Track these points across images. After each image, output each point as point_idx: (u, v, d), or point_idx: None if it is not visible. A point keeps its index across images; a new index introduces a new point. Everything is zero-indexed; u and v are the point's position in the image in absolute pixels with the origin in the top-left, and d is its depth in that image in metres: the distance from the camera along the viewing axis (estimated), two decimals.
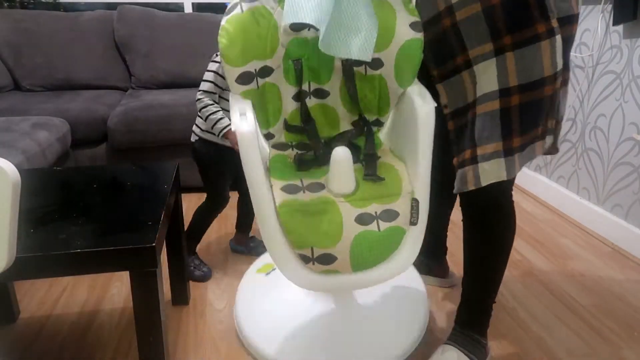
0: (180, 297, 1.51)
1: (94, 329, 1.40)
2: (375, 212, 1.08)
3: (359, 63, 1.19)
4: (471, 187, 1.07)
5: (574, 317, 1.49)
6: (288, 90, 1.24)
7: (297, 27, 1.17)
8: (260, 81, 1.15)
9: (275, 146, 1.25)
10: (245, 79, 1.11)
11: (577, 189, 2.19)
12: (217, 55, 1.43)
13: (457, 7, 1.03)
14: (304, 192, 1.09)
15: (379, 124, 1.28)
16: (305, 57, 1.22)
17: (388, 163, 1.20)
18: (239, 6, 1.10)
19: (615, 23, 1.84)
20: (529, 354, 1.32)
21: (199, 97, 1.44)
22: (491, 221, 1.17)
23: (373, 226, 1.07)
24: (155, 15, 2.82)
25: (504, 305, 1.53)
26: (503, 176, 1.06)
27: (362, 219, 1.07)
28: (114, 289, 1.60)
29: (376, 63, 1.18)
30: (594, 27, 1.99)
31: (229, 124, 1.40)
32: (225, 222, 2.09)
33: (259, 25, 1.11)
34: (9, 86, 2.63)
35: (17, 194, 0.61)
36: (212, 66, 1.45)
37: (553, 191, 2.32)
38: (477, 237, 1.20)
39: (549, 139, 1.09)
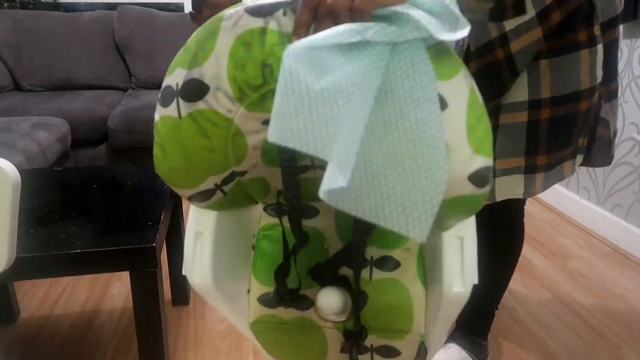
0: (180, 297, 1.51)
1: (94, 329, 1.40)
2: (371, 345, 0.85)
3: None
4: (484, 202, 0.96)
5: (574, 317, 1.49)
6: (277, 173, 0.78)
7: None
8: (228, 187, 0.75)
9: (267, 208, 0.91)
10: (203, 196, 0.73)
11: (577, 189, 2.19)
12: None
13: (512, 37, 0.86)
14: (285, 306, 0.85)
15: None
16: None
17: (403, 283, 0.88)
18: (174, 101, 0.63)
19: None
20: (529, 354, 1.32)
21: None
22: (501, 234, 1.14)
23: None
24: (155, 15, 2.82)
25: (504, 305, 1.53)
26: (520, 193, 0.96)
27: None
28: (114, 289, 1.60)
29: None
30: None
31: None
32: None
33: (209, 139, 0.67)
34: (9, 86, 2.64)
35: (17, 194, 0.61)
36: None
37: (553, 191, 2.32)
38: (485, 248, 1.17)
39: (579, 159, 0.97)
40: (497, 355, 1.31)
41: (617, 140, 1.02)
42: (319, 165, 0.73)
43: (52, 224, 1.05)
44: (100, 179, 1.35)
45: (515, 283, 1.66)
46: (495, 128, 0.93)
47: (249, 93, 0.60)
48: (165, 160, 0.68)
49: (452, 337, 1.25)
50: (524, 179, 0.95)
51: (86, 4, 3.21)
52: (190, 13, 1.23)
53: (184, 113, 0.63)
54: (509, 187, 0.95)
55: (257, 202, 0.83)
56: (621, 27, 1.86)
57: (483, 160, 0.60)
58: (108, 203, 1.18)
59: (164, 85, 0.64)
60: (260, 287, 0.86)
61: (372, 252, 0.80)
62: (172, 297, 1.51)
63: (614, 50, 0.92)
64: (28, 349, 1.32)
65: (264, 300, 0.85)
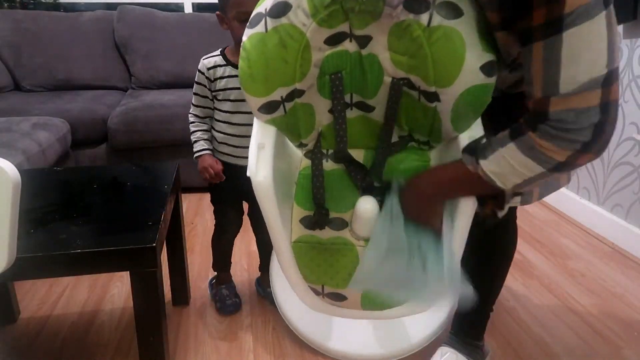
0: (181, 297, 1.51)
1: (94, 329, 1.40)
2: None
3: (411, 86, 0.93)
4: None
5: (574, 317, 1.49)
6: (323, 104, 1.03)
7: (332, 42, 0.91)
8: (289, 105, 0.96)
9: (308, 154, 1.10)
10: (269, 108, 0.94)
11: (577, 188, 2.19)
12: (205, 58, 1.31)
13: None
14: (322, 227, 1.01)
15: (430, 146, 1.05)
16: (347, 70, 0.97)
17: None
18: (263, 20, 0.87)
19: None
20: (529, 354, 1.32)
21: (190, 112, 1.35)
22: (494, 240, 1.15)
23: None
24: (155, 15, 2.82)
25: (504, 305, 1.53)
26: (517, 201, 0.97)
27: None
28: (114, 289, 1.60)
29: (432, 96, 0.89)
30: None
31: (201, 150, 1.33)
32: None
33: (285, 49, 0.87)
34: (9, 86, 2.64)
35: (17, 194, 0.61)
36: (197, 76, 1.31)
37: None
38: (477, 254, 1.14)
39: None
40: (497, 355, 1.31)
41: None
42: (356, 104, 1.02)
43: (52, 224, 1.05)
44: (100, 179, 1.35)
45: (515, 283, 1.67)
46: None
47: (320, 10, 0.84)
48: (249, 69, 0.89)
49: (447, 342, 1.25)
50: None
51: (86, 4, 3.21)
52: (217, 14, 1.25)
53: (269, 27, 0.86)
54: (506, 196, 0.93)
55: (301, 139, 1.06)
56: (621, 27, 1.86)
57: (490, 56, 0.82)
58: (108, 203, 1.18)
59: (253, 14, 0.89)
60: (301, 212, 1.02)
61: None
62: (172, 297, 1.51)
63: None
64: (28, 349, 1.32)
65: (305, 222, 1.01)
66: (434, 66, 0.84)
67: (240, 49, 0.90)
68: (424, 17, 0.80)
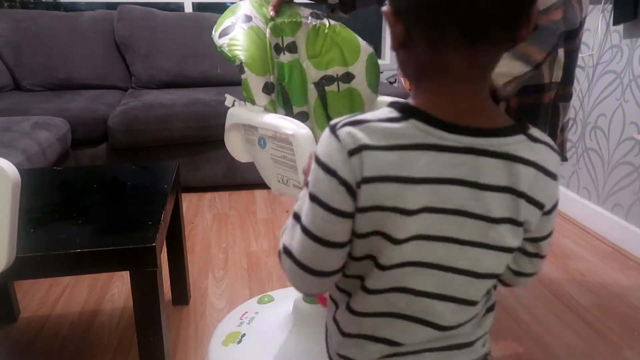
0: (180, 297, 1.51)
1: (94, 329, 1.40)
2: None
3: (330, 82, 1.28)
4: None
5: (574, 317, 1.49)
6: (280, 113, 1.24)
7: (276, 51, 1.20)
8: (273, 96, 1.14)
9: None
10: (268, 89, 1.09)
11: (577, 188, 2.19)
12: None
13: None
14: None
15: None
16: (285, 82, 1.23)
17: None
18: (236, 26, 1.09)
19: (615, 23, 1.84)
20: (529, 354, 1.32)
21: None
22: None
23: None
24: (155, 15, 2.82)
25: (504, 305, 1.53)
26: None
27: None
28: (114, 289, 1.60)
29: (348, 77, 1.27)
30: (594, 26, 1.99)
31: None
32: (225, 223, 2.09)
33: (260, 40, 1.11)
34: (9, 86, 2.64)
35: (17, 194, 0.61)
36: None
37: None
38: None
39: None
40: (497, 355, 1.31)
41: (567, 137, 1.23)
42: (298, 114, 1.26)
43: (52, 224, 1.05)
44: (100, 179, 1.35)
45: None
46: None
47: (268, 22, 1.17)
48: (247, 53, 1.05)
49: None
50: None
51: (86, 3, 3.21)
52: None
53: (245, 28, 1.10)
54: None
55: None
56: (622, 26, 1.86)
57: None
58: (108, 203, 1.18)
59: (224, 26, 1.10)
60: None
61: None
62: (172, 297, 1.51)
63: (573, 60, 1.07)
64: (28, 349, 1.32)
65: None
66: (344, 49, 1.24)
67: (226, 48, 1.07)
68: (325, 21, 1.25)
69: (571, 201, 2.20)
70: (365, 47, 1.26)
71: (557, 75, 1.04)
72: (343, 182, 0.48)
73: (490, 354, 1.28)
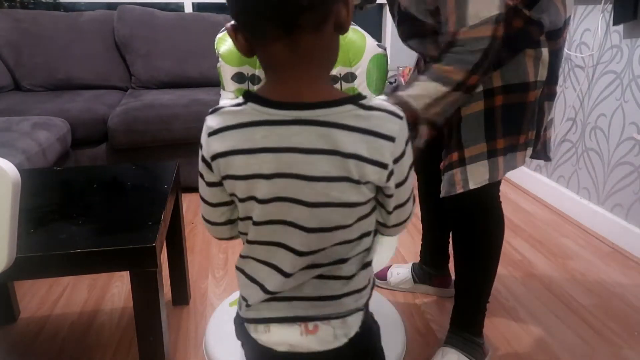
0: (180, 297, 1.51)
1: (94, 329, 1.40)
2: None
3: (333, 81, 1.29)
4: (460, 190, 1.07)
5: (574, 317, 1.49)
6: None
7: None
8: (251, 86, 1.23)
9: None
10: (239, 77, 1.21)
11: (577, 188, 2.19)
12: None
13: None
14: None
15: None
16: None
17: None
18: (220, 31, 1.22)
19: (615, 23, 1.84)
20: (529, 354, 1.32)
21: None
22: (478, 225, 1.17)
23: None
24: (155, 15, 2.82)
25: (504, 305, 1.53)
26: (486, 179, 1.07)
27: None
28: (114, 289, 1.60)
29: (350, 77, 1.29)
30: (594, 26, 1.99)
31: None
32: None
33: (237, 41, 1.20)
34: (9, 86, 2.63)
35: (17, 194, 0.61)
36: None
37: (553, 191, 2.32)
38: (465, 240, 1.20)
39: (529, 151, 1.11)
40: (497, 355, 1.31)
41: (554, 137, 1.23)
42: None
43: (52, 224, 1.05)
44: (100, 179, 1.35)
45: (515, 283, 1.67)
46: (459, 120, 1.07)
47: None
48: (227, 47, 1.16)
49: (447, 341, 1.25)
50: (488, 165, 1.06)
51: (86, 3, 3.21)
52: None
53: (221, 34, 1.19)
54: (478, 174, 1.07)
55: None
56: (622, 26, 1.86)
57: (381, 45, 1.27)
58: (108, 203, 1.18)
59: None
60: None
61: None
62: (172, 297, 1.51)
63: (557, 59, 1.06)
64: (28, 349, 1.32)
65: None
66: (349, 50, 1.23)
67: (221, 38, 1.18)
68: None
69: (571, 201, 2.20)
70: (372, 48, 1.27)
71: (542, 74, 1.04)
72: (203, 159, 0.63)
73: (490, 353, 1.28)
